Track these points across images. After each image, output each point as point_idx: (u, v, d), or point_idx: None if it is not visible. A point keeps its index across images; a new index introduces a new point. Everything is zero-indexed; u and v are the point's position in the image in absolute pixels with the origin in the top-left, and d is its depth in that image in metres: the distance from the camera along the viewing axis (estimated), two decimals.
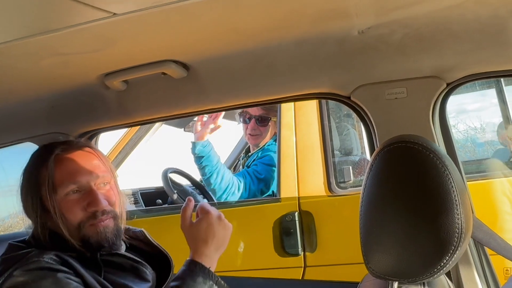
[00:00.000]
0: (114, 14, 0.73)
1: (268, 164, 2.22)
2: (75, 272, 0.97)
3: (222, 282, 1.04)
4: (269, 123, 2.28)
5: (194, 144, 2.18)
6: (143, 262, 1.10)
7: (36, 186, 1.04)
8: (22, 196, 1.08)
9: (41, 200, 1.03)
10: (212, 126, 2.20)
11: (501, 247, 0.91)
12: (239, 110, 2.38)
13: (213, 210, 1.09)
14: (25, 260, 0.96)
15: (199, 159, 2.18)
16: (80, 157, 1.07)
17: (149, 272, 1.10)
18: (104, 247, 1.04)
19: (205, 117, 2.21)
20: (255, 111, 2.27)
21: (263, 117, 2.26)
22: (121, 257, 1.08)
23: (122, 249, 1.13)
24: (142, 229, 1.23)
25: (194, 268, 1.01)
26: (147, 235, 1.22)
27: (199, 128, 2.19)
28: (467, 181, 1.54)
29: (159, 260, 1.19)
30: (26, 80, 1.12)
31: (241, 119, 2.35)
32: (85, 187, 1.04)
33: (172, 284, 1.03)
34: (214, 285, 1.01)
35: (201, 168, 2.18)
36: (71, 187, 1.02)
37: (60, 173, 1.03)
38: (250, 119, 2.29)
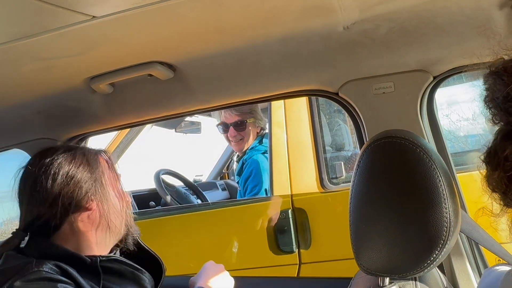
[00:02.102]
0: (93, 17, 0.72)
1: (248, 177, 2.21)
2: (75, 283, 0.96)
3: None
4: (248, 126, 2.29)
5: None
6: (143, 270, 1.09)
7: None
8: (21, 201, 1.05)
9: None
10: None
11: (483, 238, 0.92)
12: (217, 122, 2.39)
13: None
14: (25, 271, 0.94)
15: None
16: None
17: (148, 280, 1.09)
18: None
19: None
20: (229, 119, 2.29)
21: (239, 122, 2.28)
22: (121, 264, 1.06)
23: (117, 254, 1.12)
24: None
25: None
26: (140, 241, 1.21)
27: None
28: (462, 173, 1.55)
29: (151, 264, 1.18)
30: (10, 86, 1.10)
31: (221, 130, 2.36)
32: None
33: None
34: None
35: None
36: None
37: None
38: (228, 127, 2.31)
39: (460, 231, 0.98)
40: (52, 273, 0.94)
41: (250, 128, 2.30)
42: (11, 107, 1.23)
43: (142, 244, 1.20)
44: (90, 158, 1.06)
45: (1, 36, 0.80)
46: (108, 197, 1.05)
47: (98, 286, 1.00)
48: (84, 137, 1.49)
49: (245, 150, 2.31)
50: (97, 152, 1.10)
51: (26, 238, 1.05)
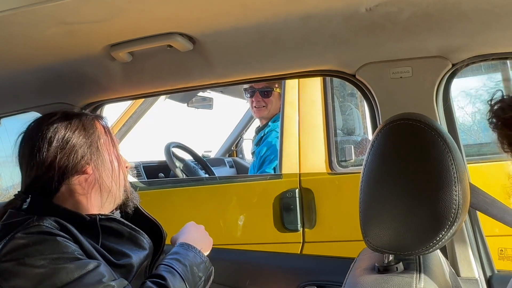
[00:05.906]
0: None
1: (268, 148, 2.25)
2: (73, 238, 1.00)
3: (211, 265, 1.13)
4: (273, 94, 2.32)
5: None
6: (140, 231, 1.13)
7: None
8: (21, 165, 1.10)
9: None
10: None
11: (503, 210, 0.90)
12: (245, 87, 2.42)
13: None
14: (26, 225, 0.99)
15: None
16: None
17: (146, 241, 1.13)
18: None
19: None
20: (258, 84, 2.33)
21: (266, 89, 2.31)
22: (119, 224, 1.11)
23: (117, 215, 1.16)
24: None
25: (186, 246, 1.12)
26: (139, 207, 1.25)
27: None
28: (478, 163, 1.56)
29: (152, 231, 1.22)
30: (32, 49, 1.12)
31: (247, 95, 2.40)
32: None
33: (169, 257, 1.09)
34: (204, 263, 1.11)
35: None
36: None
37: None
38: (254, 92, 2.34)
39: (475, 209, 0.98)
40: (51, 228, 0.99)
41: (275, 97, 2.32)
42: (33, 69, 1.25)
43: (142, 210, 1.24)
44: (86, 123, 1.10)
45: None
46: (104, 162, 1.09)
47: (97, 244, 1.04)
48: (100, 104, 1.52)
49: (267, 122, 2.33)
50: (94, 118, 1.13)
51: (28, 200, 1.09)
